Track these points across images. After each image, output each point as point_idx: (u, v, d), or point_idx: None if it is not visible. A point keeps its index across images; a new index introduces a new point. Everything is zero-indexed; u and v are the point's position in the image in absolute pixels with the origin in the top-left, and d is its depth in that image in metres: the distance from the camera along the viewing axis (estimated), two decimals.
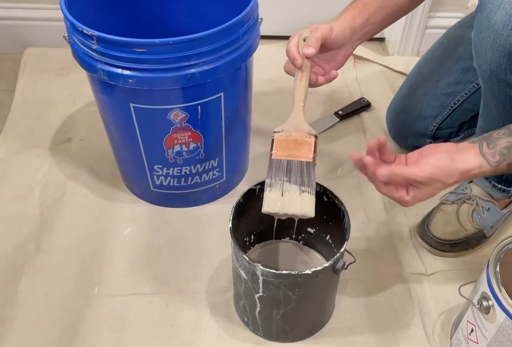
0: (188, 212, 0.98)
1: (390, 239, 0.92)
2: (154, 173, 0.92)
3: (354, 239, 0.89)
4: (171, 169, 0.90)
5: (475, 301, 0.68)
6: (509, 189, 0.88)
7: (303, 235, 0.86)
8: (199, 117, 0.82)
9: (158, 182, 0.93)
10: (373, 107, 1.18)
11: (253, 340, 0.79)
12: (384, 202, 0.98)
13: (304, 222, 0.82)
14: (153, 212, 0.98)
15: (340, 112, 1.16)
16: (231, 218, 0.71)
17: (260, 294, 0.70)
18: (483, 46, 0.70)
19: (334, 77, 0.80)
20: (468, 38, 0.91)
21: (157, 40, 0.70)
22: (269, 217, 0.68)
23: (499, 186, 0.87)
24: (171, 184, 0.93)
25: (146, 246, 0.92)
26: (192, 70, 0.74)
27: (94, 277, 0.87)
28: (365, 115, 1.16)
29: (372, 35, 0.82)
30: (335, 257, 0.66)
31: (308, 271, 0.65)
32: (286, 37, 0.79)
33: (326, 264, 0.65)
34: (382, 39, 1.39)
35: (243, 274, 0.70)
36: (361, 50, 1.30)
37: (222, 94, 0.81)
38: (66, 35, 0.82)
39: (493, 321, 0.65)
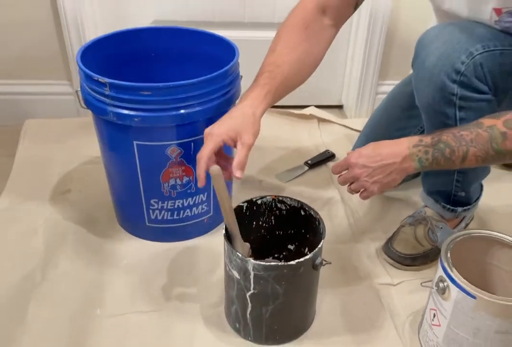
0: (179, 245, 1.09)
1: (360, 258, 1.05)
2: (150, 207, 1.04)
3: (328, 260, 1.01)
4: (166, 202, 1.03)
5: (434, 286, 0.80)
6: (456, 208, 1.03)
7: (284, 253, 0.98)
8: (192, 152, 0.97)
9: (153, 217, 1.05)
10: (337, 158, 1.36)
11: (244, 345, 0.88)
12: (353, 231, 1.12)
13: (285, 239, 0.96)
14: (147, 247, 1.09)
15: (309, 162, 1.33)
16: (225, 227, 0.84)
17: (251, 291, 0.81)
18: (420, 84, 0.90)
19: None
20: (407, 92, 1.12)
21: (160, 84, 0.87)
22: (254, 236, 0.84)
23: (448, 206, 1.03)
24: (165, 217, 1.05)
25: (142, 273, 1.02)
26: (187, 110, 0.90)
27: (96, 301, 0.96)
28: (330, 164, 1.34)
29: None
30: (315, 250, 0.79)
31: (292, 262, 0.77)
32: None
33: (307, 256, 0.78)
34: (340, 106, 1.62)
35: (236, 274, 0.81)
36: (324, 114, 1.51)
37: None
38: (78, 89, 0.98)
39: (449, 298, 0.77)
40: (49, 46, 1.43)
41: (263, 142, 1.39)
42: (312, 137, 1.45)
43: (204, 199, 1.06)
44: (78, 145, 1.39)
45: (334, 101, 1.61)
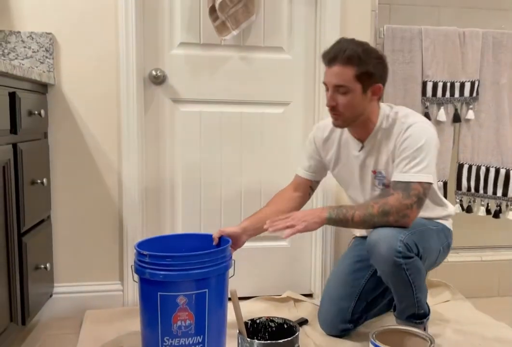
0: None
1: None
2: (164, 344, 1.53)
3: None
4: (174, 339, 1.52)
5: None
6: (422, 321, 1.65)
7: None
8: (193, 302, 1.52)
9: None
10: (310, 322, 1.89)
11: None
12: None
13: None
14: None
15: None
16: (238, 330, 1.35)
17: None
18: (381, 264, 1.57)
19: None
20: (349, 263, 1.80)
21: (181, 254, 1.50)
22: None
23: (417, 321, 1.63)
24: None
25: None
26: (196, 271, 1.49)
27: None
28: (305, 327, 1.86)
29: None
30: (294, 335, 1.28)
31: (280, 341, 1.27)
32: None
33: (290, 338, 1.28)
34: (310, 295, 2.22)
35: None
36: (298, 295, 2.11)
37: (207, 290, 1.53)
38: (132, 265, 1.61)
39: None
40: (110, 256, 2.11)
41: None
42: (291, 312, 2.00)
43: (200, 340, 1.54)
44: (125, 325, 1.91)
45: (305, 290, 2.24)
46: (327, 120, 1.79)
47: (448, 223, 1.79)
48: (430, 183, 1.59)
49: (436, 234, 1.69)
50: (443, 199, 1.81)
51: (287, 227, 1.53)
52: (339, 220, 1.57)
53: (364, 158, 1.71)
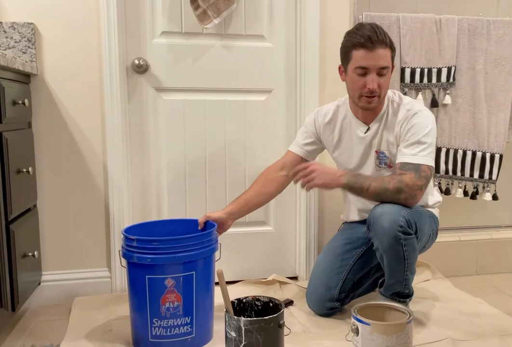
0: None
1: None
2: (153, 325, 1.57)
3: None
4: (163, 321, 1.56)
5: (351, 330, 1.31)
6: (405, 300, 1.73)
7: None
8: (181, 284, 1.56)
9: (154, 333, 1.57)
10: (295, 303, 1.94)
11: None
12: (308, 337, 1.61)
13: None
14: None
15: None
16: (225, 309, 1.39)
17: (243, 343, 1.31)
18: (381, 237, 1.62)
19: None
20: (337, 246, 1.84)
21: (167, 238, 1.54)
22: None
23: (401, 299, 1.71)
24: (162, 333, 1.57)
25: None
26: (182, 254, 1.54)
27: None
28: (290, 307, 1.92)
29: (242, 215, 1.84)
30: (279, 312, 1.33)
31: (266, 317, 1.31)
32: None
33: (275, 315, 1.33)
34: (296, 277, 2.28)
35: (233, 334, 1.33)
36: (283, 278, 2.16)
37: (194, 272, 1.58)
38: (119, 250, 1.64)
39: (359, 333, 1.27)
40: (97, 244, 2.14)
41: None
42: (277, 294, 2.04)
43: (188, 321, 1.59)
44: (114, 310, 1.94)
45: (291, 273, 2.30)
46: (327, 105, 1.91)
47: (435, 211, 1.86)
48: (434, 167, 1.71)
49: (428, 219, 1.77)
50: (432, 186, 1.89)
51: (307, 181, 1.63)
52: (355, 188, 1.64)
53: (370, 140, 1.80)
